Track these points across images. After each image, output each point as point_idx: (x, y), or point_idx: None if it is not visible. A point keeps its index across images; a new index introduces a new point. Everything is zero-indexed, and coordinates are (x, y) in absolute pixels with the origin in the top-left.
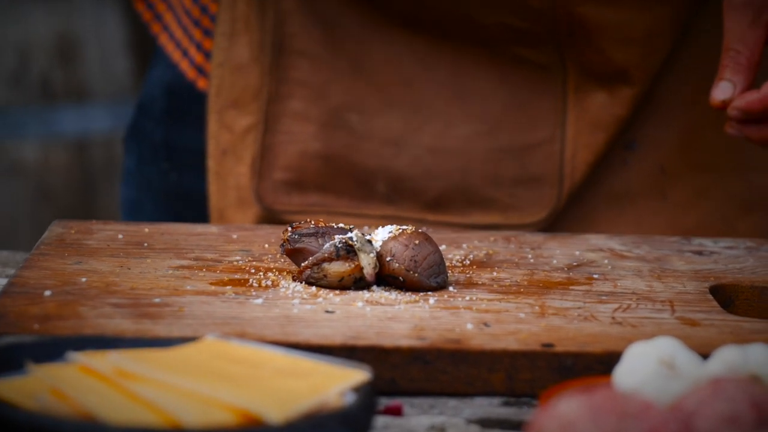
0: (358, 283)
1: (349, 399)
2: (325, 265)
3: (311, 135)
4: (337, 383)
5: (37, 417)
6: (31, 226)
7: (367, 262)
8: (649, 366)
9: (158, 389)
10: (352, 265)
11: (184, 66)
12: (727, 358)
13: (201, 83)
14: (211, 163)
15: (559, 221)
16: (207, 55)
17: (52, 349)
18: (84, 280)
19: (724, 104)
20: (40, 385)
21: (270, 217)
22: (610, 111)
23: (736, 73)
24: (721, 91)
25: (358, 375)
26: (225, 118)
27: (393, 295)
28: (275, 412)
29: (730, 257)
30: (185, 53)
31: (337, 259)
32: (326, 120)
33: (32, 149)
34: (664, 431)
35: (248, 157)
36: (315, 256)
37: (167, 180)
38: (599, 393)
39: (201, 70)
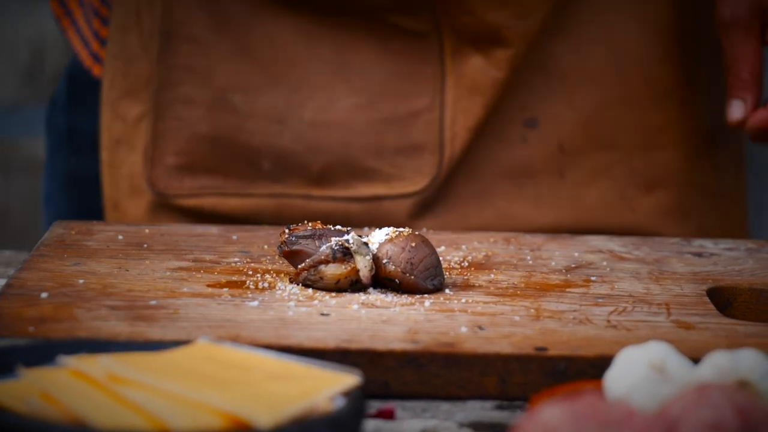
0: (354, 285)
1: (339, 403)
2: (322, 268)
3: (199, 118)
4: (327, 387)
5: (24, 420)
6: (46, 223)
7: (363, 264)
8: (640, 370)
9: (148, 393)
10: (348, 268)
11: (83, 54)
12: (717, 363)
13: (96, 70)
14: (105, 155)
15: (456, 196)
16: (103, 42)
17: (45, 353)
18: (81, 281)
19: (741, 122)
20: (30, 389)
21: (162, 203)
22: (486, 74)
23: (742, 90)
24: (735, 109)
25: (348, 379)
26: (118, 109)
27: (389, 297)
28: (264, 417)
29: (729, 259)
30: (85, 42)
31: (334, 262)
32: (212, 103)
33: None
34: None
35: (141, 146)
36: (311, 258)
37: (71, 167)
38: (582, 400)
39: (97, 58)
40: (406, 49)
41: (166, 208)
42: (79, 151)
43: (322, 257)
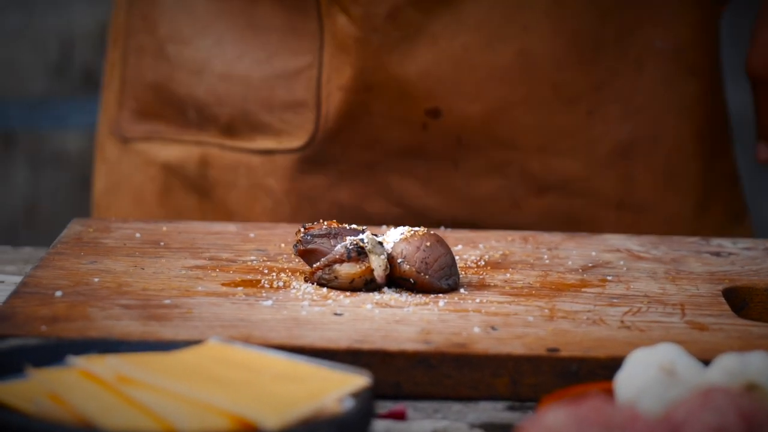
0: (369, 284)
1: (347, 405)
2: (336, 267)
3: (147, 67)
4: (336, 389)
5: (31, 421)
6: (74, 216)
7: (377, 263)
8: (650, 373)
9: (156, 395)
10: (363, 267)
11: None
12: (727, 366)
13: None
14: (101, 96)
15: (348, 160)
16: None
17: (54, 353)
18: (97, 280)
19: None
20: (38, 389)
21: (126, 147)
22: (349, 32)
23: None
24: (762, 150)
25: (358, 380)
26: (109, 55)
27: (403, 297)
28: (270, 418)
29: (747, 258)
30: None
31: (348, 261)
32: (156, 52)
33: (75, 140)
34: None
35: (115, 88)
36: (326, 257)
37: None
38: (586, 404)
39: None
40: (298, 6)
41: (128, 151)
42: None
43: (337, 256)
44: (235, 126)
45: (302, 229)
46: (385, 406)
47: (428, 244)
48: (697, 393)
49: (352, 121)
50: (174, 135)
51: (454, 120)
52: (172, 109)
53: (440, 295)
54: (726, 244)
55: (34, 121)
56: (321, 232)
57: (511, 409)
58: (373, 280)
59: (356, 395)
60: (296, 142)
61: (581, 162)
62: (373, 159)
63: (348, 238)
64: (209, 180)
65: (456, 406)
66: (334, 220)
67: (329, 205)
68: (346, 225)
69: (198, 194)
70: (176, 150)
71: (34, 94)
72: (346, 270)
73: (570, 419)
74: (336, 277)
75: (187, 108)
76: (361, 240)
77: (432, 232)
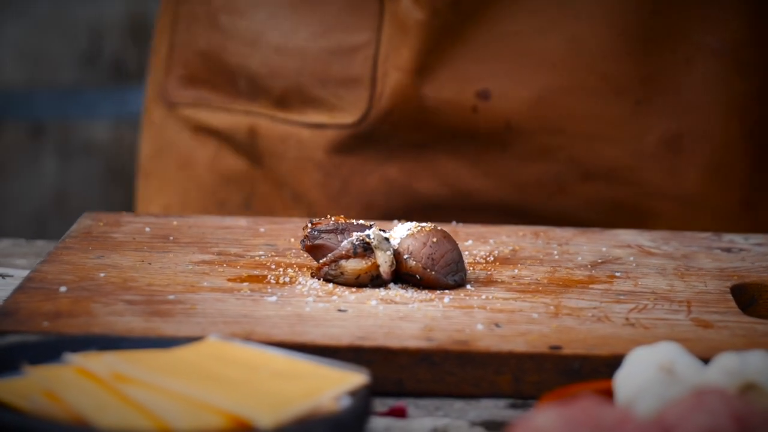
0: (375, 280)
1: (344, 403)
2: (342, 263)
3: (198, 35)
4: (333, 387)
5: (26, 419)
6: (103, 206)
7: (383, 260)
8: (649, 372)
9: (152, 393)
10: (369, 263)
11: None
12: (726, 365)
13: None
14: (151, 59)
15: (399, 141)
16: None
17: (53, 350)
18: (102, 275)
19: None
20: (34, 387)
21: (170, 112)
22: (411, 14)
23: None
24: None
25: (356, 378)
26: (160, 21)
27: (409, 293)
28: (265, 417)
29: (759, 255)
30: None
31: (354, 257)
32: (207, 20)
33: (104, 129)
34: None
35: (163, 54)
36: (332, 253)
37: None
38: (577, 405)
39: None
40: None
41: (174, 116)
42: None
43: (343, 252)
44: (287, 98)
45: (309, 225)
46: (386, 404)
47: (435, 240)
48: (690, 395)
49: (405, 100)
50: (223, 103)
51: (504, 104)
52: (222, 77)
53: (446, 291)
54: (738, 239)
55: (63, 111)
56: (328, 228)
57: (513, 407)
58: (379, 276)
59: (354, 393)
60: (348, 118)
61: (628, 152)
62: (423, 139)
63: (354, 233)
64: (259, 149)
65: (458, 404)
66: (342, 216)
67: (378, 181)
68: (354, 221)
69: (248, 160)
70: (225, 118)
71: (64, 83)
72: (352, 266)
73: (559, 420)
74: (342, 273)
75: (237, 78)
76: (368, 236)
77: (439, 228)
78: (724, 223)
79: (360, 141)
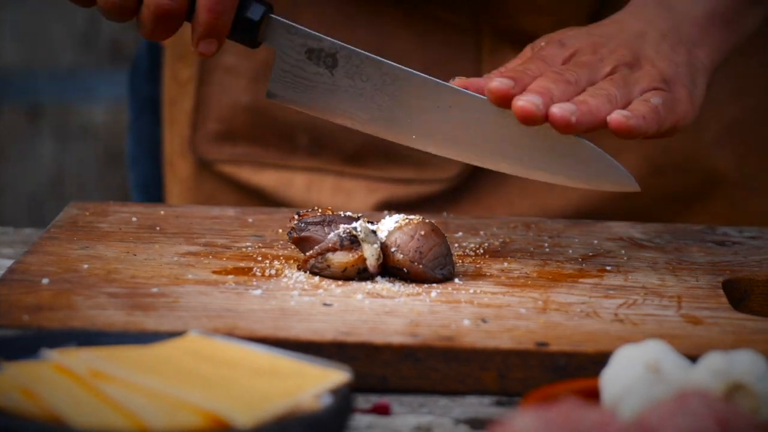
0: (361, 273)
1: (325, 401)
2: (329, 255)
3: (241, 88)
4: (314, 385)
5: (1, 417)
6: (100, 189)
7: (370, 253)
8: (635, 371)
9: (129, 390)
10: (356, 256)
11: None
12: (712, 365)
13: None
14: (165, 112)
15: (476, 185)
16: None
17: (32, 345)
18: (86, 266)
19: None
20: (11, 384)
21: (203, 167)
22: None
23: None
24: None
25: (337, 376)
26: (174, 70)
27: (396, 287)
28: (243, 416)
29: (752, 248)
30: None
31: (341, 250)
32: (254, 75)
33: (102, 112)
34: None
35: (187, 107)
36: (319, 245)
37: (154, 134)
38: (556, 407)
39: None
40: (444, 41)
41: (207, 172)
42: (160, 114)
43: (330, 245)
44: (363, 154)
45: (296, 216)
46: (370, 401)
47: (423, 233)
48: (673, 397)
49: None
50: (275, 160)
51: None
52: (276, 134)
53: (434, 285)
54: (732, 232)
55: (61, 93)
56: (315, 220)
57: (498, 404)
58: (366, 269)
59: (335, 391)
60: (442, 173)
61: (690, 139)
62: (508, 177)
63: (342, 226)
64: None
65: (442, 401)
66: (329, 207)
67: None
68: (341, 212)
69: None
70: (275, 176)
71: (62, 65)
72: (339, 259)
73: (539, 423)
74: (328, 266)
75: (298, 134)
76: (355, 228)
77: (428, 221)
78: None
79: (451, 195)
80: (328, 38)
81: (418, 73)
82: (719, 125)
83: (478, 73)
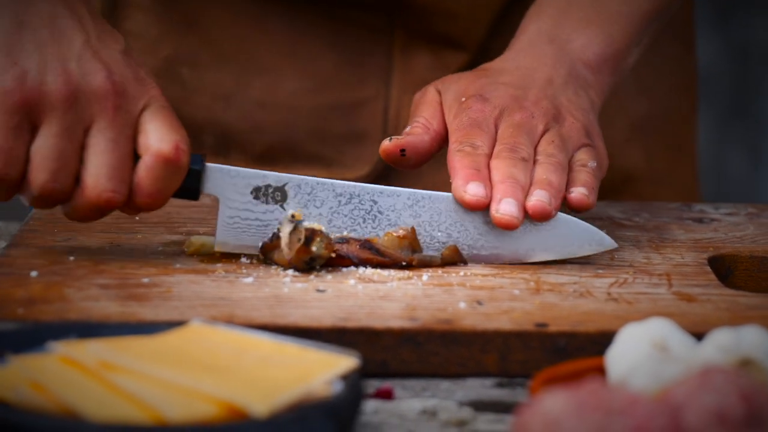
0: (312, 262)
1: (337, 388)
2: (275, 255)
3: None
4: (324, 371)
5: (14, 412)
6: None
7: (284, 242)
8: (642, 349)
9: (141, 381)
10: (294, 250)
11: None
12: (720, 342)
13: None
14: None
15: (389, 177)
16: None
17: (33, 337)
18: (72, 258)
19: None
20: (18, 377)
21: None
22: (432, 74)
23: None
24: None
25: (345, 362)
26: None
27: (386, 272)
28: (260, 404)
29: (730, 225)
30: None
31: (278, 247)
32: (158, 72)
33: None
34: (651, 426)
35: None
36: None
37: None
38: (585, 388)
39: None
40: (356, 39)
41: None
42: None
43: (269, 244)
44: (271, 155)
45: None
46: (372, 386)
47: None
48: (695, 373)
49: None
50: None
51: None
52: None
53: (423, 268)
54: (708, 209)
55: None
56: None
57: (499, 385)
58: (314, 258)
59: (345, 377)
60: (351, 173)
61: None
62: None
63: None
64: None
65: (444, 384)
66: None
67: None
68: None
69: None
70: None
71: None
72: (280, 256)
73: (569, 404)
74: (280, 264)
75: (203, 134)
76: (279, 222)
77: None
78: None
79: None
80: (273, 173)
81: (373, 186)
82: (626, 123)
83: (389, 72)
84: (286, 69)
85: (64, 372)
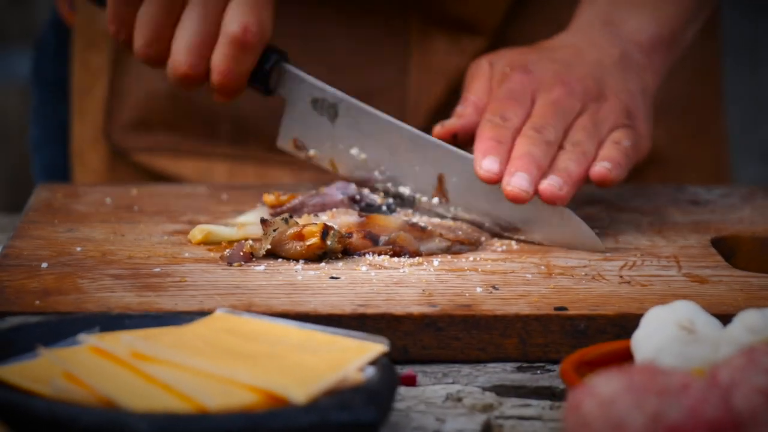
0: (326, 255)
1: (369, 373)
2: (287, 249)
3: (160, 75)
4: (356, 357)
5: (56, 406)
6: None
7: (252, 229)
8: (668, 331)
9: (176, 371)
10: (305, 246)
11: (61, 2)
12: (749, 322)
13: (72, 19)
14: (74, 102)
15: None
16: None
17: (59, 329)
18: (79, 249)
19: None
20: (51, 370)
21: (118, 157)
22: (450, 58)
23: None
24: None
25: (374, 347)
26: (84, 57)
27: (395, 258)
28: (299, 391)
29: (726, 207)
30: None
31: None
32: None
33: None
34: (705, 408)
35: (101, 96)
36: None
37: (60, 117)
38: (638, 371)
39: (72, 7)
40: (371, 25)
41: (121, 162)
42: (68, 101)
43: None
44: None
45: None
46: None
47: None
48: (740, 354)
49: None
50: (195, 148)
51: None
52: (196, 121)
53: (433, 254)
54: (700, 191)
55: None
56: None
57: (520, 370)
58: (326, 251)
59: (375, 362)
60: None
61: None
62: None
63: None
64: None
65: (465, 369)
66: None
67: None
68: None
69: None
70: (193, 164)
71: None
72: (294, 250)
73: (623, 385)
74: (292, 258)
75: (219, 121)
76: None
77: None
78: None
79: None
80: (332, 89)
81: (416, 132)
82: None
83: (406, 58)
84: (300, 56)
85: (96, 363)
